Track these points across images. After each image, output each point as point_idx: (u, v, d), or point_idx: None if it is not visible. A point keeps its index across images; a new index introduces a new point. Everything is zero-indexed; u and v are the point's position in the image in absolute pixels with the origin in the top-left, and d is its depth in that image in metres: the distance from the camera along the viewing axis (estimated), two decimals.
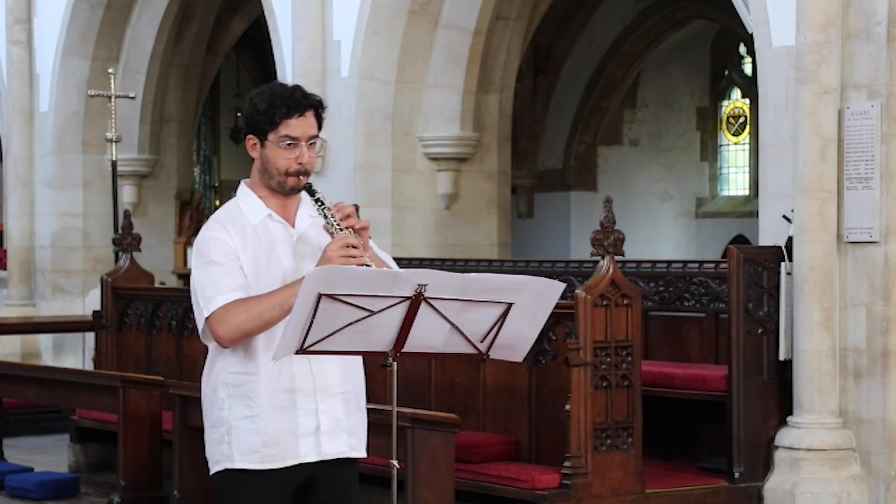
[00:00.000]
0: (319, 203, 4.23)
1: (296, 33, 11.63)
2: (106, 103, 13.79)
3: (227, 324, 4.13)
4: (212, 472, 4.33)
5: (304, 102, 4.24)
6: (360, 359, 4.38)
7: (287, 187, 4.26)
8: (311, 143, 4.25)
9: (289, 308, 4.06)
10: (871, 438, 7.96)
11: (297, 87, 4.29)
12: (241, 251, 4.21)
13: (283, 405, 4.21)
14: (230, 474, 4.26)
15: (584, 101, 18.92)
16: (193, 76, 16.27)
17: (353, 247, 4.11)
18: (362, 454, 4.37)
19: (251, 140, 4.29)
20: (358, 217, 4.24)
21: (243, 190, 4.35)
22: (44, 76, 15.15)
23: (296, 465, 4.24)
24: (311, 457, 4.25)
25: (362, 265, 4.11)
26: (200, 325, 4.24)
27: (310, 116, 4.25)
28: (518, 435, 7.89)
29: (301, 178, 4.25)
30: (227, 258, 4.19)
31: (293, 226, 4.30)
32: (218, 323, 4.14)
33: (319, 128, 4.29)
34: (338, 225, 4.18)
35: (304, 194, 4.33)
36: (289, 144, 4.22)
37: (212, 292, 4.16)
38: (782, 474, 8.00)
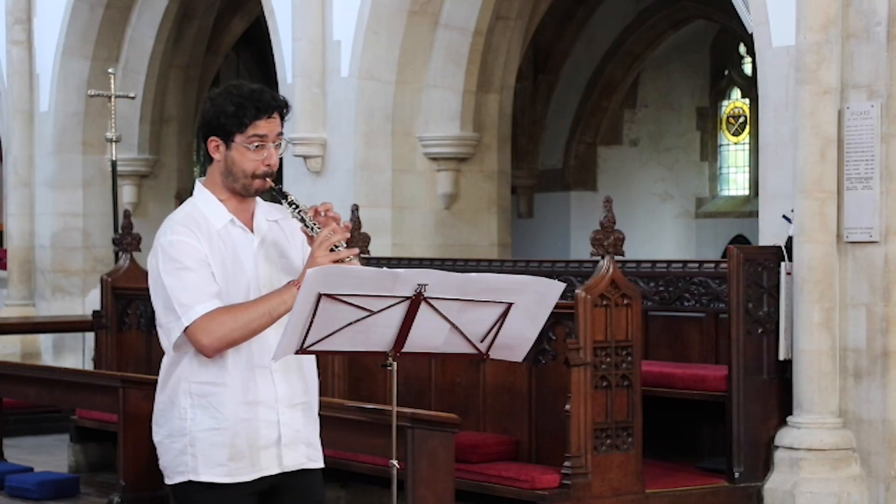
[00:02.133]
0: (294, 207, 4.16)
1: (296, 33, 11.62)
2: (106, 103, 13.80)
3: (213, 333, 4.04)
4: (171, 481, 4.24)
5: (273, 104, 4.19)
6: (314, 364, 4.33)
7: (252, 189, 4.20)
8: (277, 144, 4.21)
9: (277, 316, 4.04)
10: (871, 438, 7.96)
11: (263, 89, 4.23)
12: (210, 257, 4.14)
13: (247, 417, 4.15)
14: (194, 486, 4.18)
15: (584, 101, 18.92)
16: (193, 76, 16.27)
17: (337, 246, 4.06)
18: (320, 464, 4.31)
19: (214, 142, 4.21)
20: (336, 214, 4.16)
21: (202, 191, 4.26)
22: (44, 76, 15.15)
23: (258, 478, 4.19)
24: (273, 469, 4.20)
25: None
26: (173, 334, 4.12)
27: (276, 117, 4.20)
28: (518, 435, 7.89)
29: (267, 179, 4.20)
30: (198, 264, 4.12)
31: (252, 230, 4.24)
32: (202, 332, 4.05)
33: (282, 126, 4.25)
34: (316, 225, 4.12)
35: (258, 197, 4.28)
36: (258, 146, 4.16)
37: (189, 300, 4.07)
38: (782, 474, 8.00)
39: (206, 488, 4.16)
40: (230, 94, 4.19)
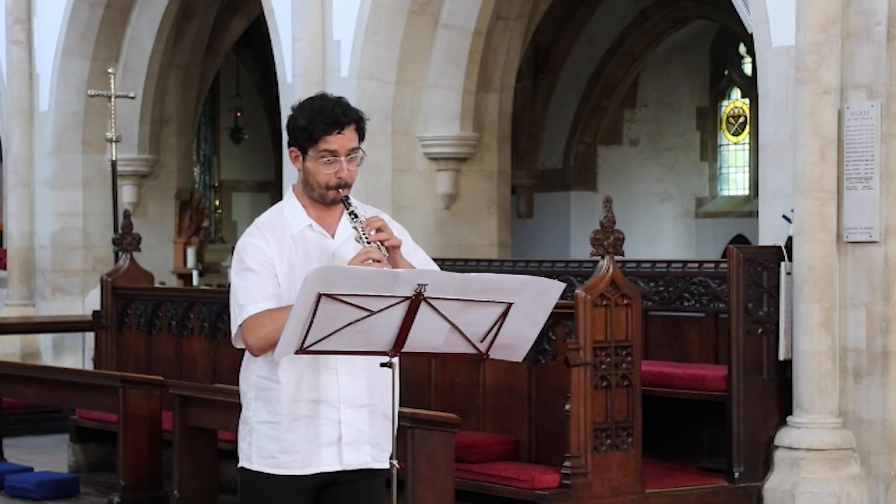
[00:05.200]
0: (353, 216, 4.26)
1: (296, 33, 11.62)
2: (106, 103, 13.80)
3: (256, 333, 4.21)
4: (238, 465, 4.43)
5: (343, 119, 4.26)
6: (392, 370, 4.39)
7: (328, 200, 4.31)
8: (350, 157, 4.28)
9: None
10: (871, 438, 7.96)
11: (337, 103, 4.29)
12: (278, 260, 4.27)
13: (307, 414, 4.27)
14: (248, 473, 4.35)
15: (584, 101, 18.93)
16: (193, 76, 16.27)
17: (377, 261, 4.12)
18: (385, 465, 4.36)
19: (294, 152, 4.33)
20: (389, 234, 4.23)
21: (289, 196, 4.41)
22: (44, 76, 15.15)
23: (316, 473, 4.30)
24: (333, 466, 4.31)
25: None
26: (234, 329, 4.31)
27: (349, 131, 4.27)
28: (518, 435, 7.88)
29: (341, 191, 4.29)
30: (262, 266, 4.26)
31: (333, 236, 4.34)
32: (248, 331, 4.23)
33: (361, 139, 4.31)
34: (366, 239, 4.20)
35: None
36: (328, 160, 4.26)
37: (245, 300, 4.24)
38: (782, 474, 8.00)
39: (257, 477, 4.33)
40: (304, 108, 4.30)
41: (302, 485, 4.30)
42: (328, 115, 4.24)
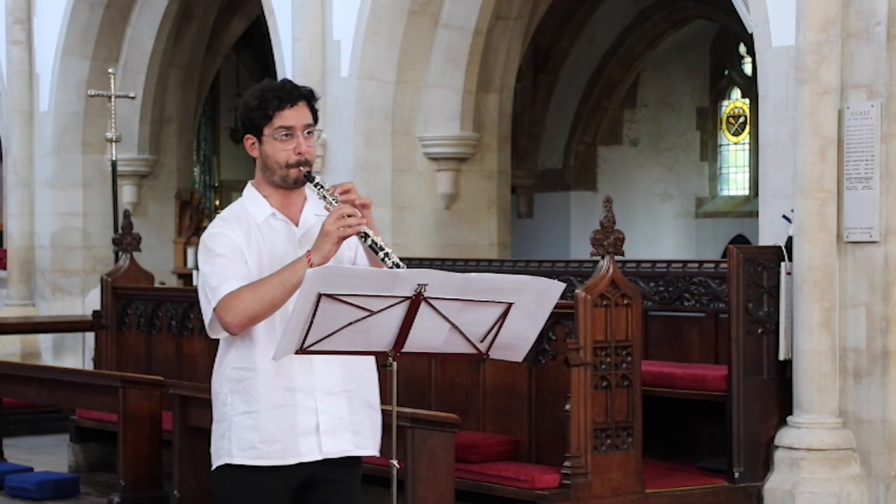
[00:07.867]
0: (318, 187, 4.24)
1: (296, 33, 11.63)
2: (106, 103, 13.80)
3: (234, 309, 4.16)
4: (213, 466, 4.35)
5: (295, 93, 4.27)
6: (369, 357, 4.37)
7: (290, 179, 4.28)
8: (307, 133, 4.28)
9: (291, 287, 4.08)
10: (871, 438, 7.96)
11: (286, 81, 4.33)
12: (246, 249, 4.25)
13: (284, 403, 4.22)
14: (229, 469, 4.28)
15: (584, 101, 18.93)
16: (193, 76, 16.27)
17: (350, 215, 4.12)
18: (368, 452, 4.36)
19: (249, 140, 4.31)
20: (357, 195, 4.23)
21: (249, 190, 4.38)
22: (44, 76, 15.15)
23: (297, 464, 4.25)
24: (314, 455, 4.26)
25: (360, 233, 4.13)
26: (207, 318, 4.27)
27: (302, 107, 4.27)
28: (518, 435, 7.89)
29: (302, 168, 4.27)
30: (231, 251, 4.24)
31: (297, 223, 4.32)
32: (225, 310, 4.17)
33: (315, 119, 4.32)
34: (336, 202, 4.19)
35: (308, 191, 4.34)
36: (285, 136, 4.24)
37: (217, 282, 4.20)
38: (782, 474, 8.00)
39: (238, 471, 4.26)
40: (254, 90, 4.31)
41: (283, 481, 4.25)
42: (279, 90, 4.25)
